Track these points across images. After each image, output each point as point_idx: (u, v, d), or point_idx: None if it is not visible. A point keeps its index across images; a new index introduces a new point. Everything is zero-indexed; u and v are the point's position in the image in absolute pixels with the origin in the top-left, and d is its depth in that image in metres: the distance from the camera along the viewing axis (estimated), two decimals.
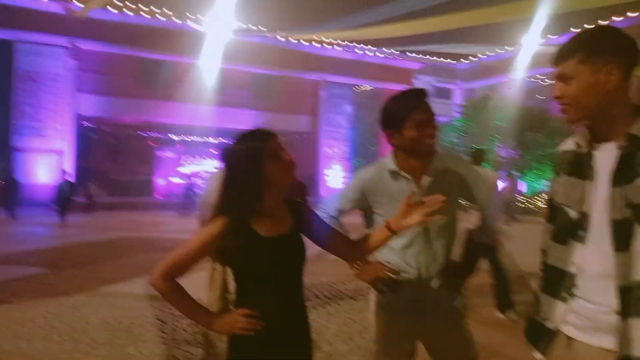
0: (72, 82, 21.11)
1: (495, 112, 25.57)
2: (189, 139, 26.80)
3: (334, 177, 28.49)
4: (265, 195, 1.62)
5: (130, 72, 23.06)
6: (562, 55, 1.42)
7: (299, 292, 1.71)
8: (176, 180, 26.18)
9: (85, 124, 23.45)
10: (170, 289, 1.64)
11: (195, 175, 24.27)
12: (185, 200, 18.53)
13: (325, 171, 28.12)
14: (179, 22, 22.50)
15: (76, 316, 4.96)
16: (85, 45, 21.25)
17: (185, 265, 1.64)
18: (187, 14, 22.41)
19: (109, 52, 21.92)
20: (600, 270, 1.36)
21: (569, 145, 1.56)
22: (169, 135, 26.24)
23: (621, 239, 1.33)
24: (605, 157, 1.39)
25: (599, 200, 1.38)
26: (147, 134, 26.46)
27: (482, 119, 26.03)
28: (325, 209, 2.28)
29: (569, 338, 1.43)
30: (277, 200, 1.67)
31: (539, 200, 21.53)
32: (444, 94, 37.48)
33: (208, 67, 23.10)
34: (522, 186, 23.45)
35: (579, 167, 1.46)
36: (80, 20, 20.26)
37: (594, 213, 1.39)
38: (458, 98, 35.99)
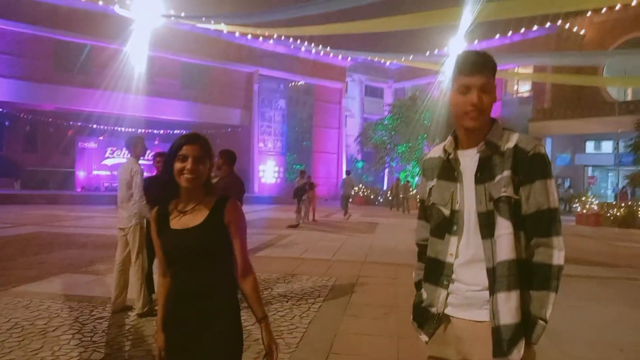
0: None
1: (423, 112, 26.50)
2: (114, 130, 25.50)
3: (268, 172, 28.32)
4: (179, 192, 1.89)
5: (49, 55, 21.62)
6: (482, 68, 1.62)
7: (207, 280, 1.86)
8: (99, 172, 24.88)
9: None
10: (160, 285, 1.97)
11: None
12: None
13: (260, 166, 27.88)
14: (102, 4, 21.33)
15: None
16: None
17: (159, 257, 1.94)
18: None
19: (24, 32, 20.38)
20: (472, 256, 1.63)
21: (435, 152, 1.83)
22: (91, 124, 24.80)
23: (486, 228, 1.60)
24: (469, 161, 1.68)
25: (467, 197, 1.66)
26: (68, 123, 24.88)
27: (410, 117, 26.89)
28: None
29: (449, 317, 1.68)
30: (190, 196, 1.88)
31: None
32: (376, 92, 38.32)
33: (135, 54, 22.11)
34: None
35: (446, 171, 1.73)
36: None
37: (464, 209, 1.66)
38: (388, 97, 36.95)
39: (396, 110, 28.40)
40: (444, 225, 1.71)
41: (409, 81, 35.39)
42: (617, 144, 21.75)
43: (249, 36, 25.37)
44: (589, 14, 25.64)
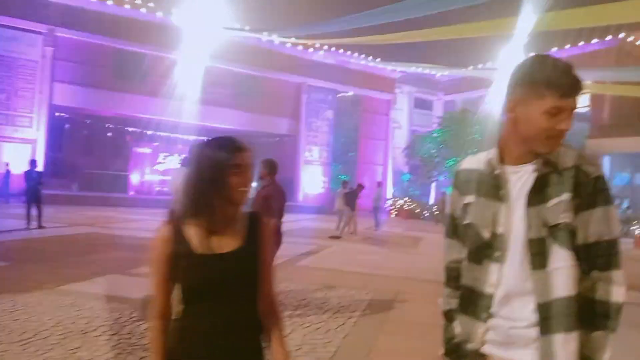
0: (47, 70, 20.59)
1: (473, 125, 25.90)
2: (167, 136, 26.38)
3: (313, 182, 28.42)
4: (217, 209, 1.53)
5: (109, 63, 22.60)
6: (576, 89, 1.39)
7: (241, 316, 1.54)
8: (152, 176, 25.75)
9: (60, 114, 22.91)
10: (155, 329, 1.59)
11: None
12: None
13: (305, 176, 28.03)
14: (161, 15, 22.17)
15: (30, 315, 4.75)
16: (63, 33, 20.74)
17: (160, 291, 1.56)
18: (171, 9, 22.09)
19: (87, 41, 21.44)
20: (517, 289, 1.43)
21: (472, 163, 1.61)
22: (147, 130, 25.77)
23: (538, 258, 1.40)
24: (518, 178, 1.47)
25: (515, 220, 1.44)
26: (123, 128, 25.96)
27: (460, 131, 26.34)
28: None
29: (486, 356, 1.49)
30: (227, 215, 1.56)
31: None
32: (425, 105, 37.83)
33: (190, 63, 22.81)
34: None
35: (489, 188, 1.51)
36: (58, 6, 19.83)
37: (509, 233, 1.45)
38: (438, 109, 36.39)
39: (446, 123, 27.91)
40: (483, 250, 1.50)
41: (459, 94, 34.73)
42: None
43: (300, 47, 25.67)
44: None
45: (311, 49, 26.07)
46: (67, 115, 24.30)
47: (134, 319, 4.85)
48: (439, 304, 1.74)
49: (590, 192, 1.39)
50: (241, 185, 1.51)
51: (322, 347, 4.37)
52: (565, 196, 1.39)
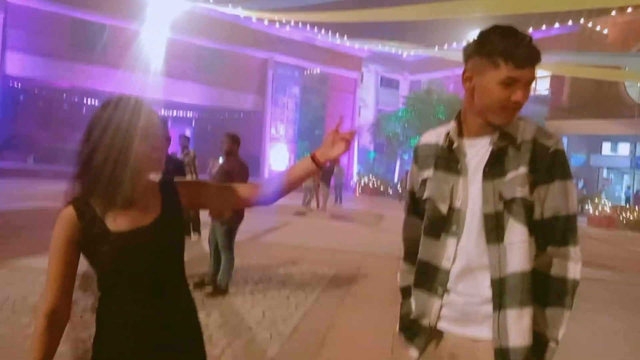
0: None
1: (438, 105, 26.20)
2: None
3: (279, 159, 28.26)
4: (127, 182, 1.30)
5: (66, 32, 21.62)
6: (532, 60, 1.35)
7: (168, 298, 1.36)
8: None
9: (13, 84, 21.84)
10: (40, 327, 1.30)
11: None
12: None
13: (270, 152, 27.82)
14: None
15: None
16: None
17: (56, 285, 1.31)
18: None
19: (42, 9, 20.38)
20: (473, 263, 1.40)
21: (431, 138, 1.57)
22: None
23: (493, 232, 1.38)
24: (476, 152, 1.44)
25: (471, 194, 1.42)
26: (82, 100, 24.98)
27: (425, 111, 26.61)
28: None
29: (442, 332, 1.47)
30: (139, 187, 1.34)
31: None
32: (391, 84, 37.93)
33: (152, 35, 22.05)
34: None
35: (447, 162, 1.48)
36: None
37: (467, 207, 1.42)
38: (404, 89, 36.57)
39: (411, 102, 28.13)
40: (441, 224, 1.47)
41: (425, 74, 34.95)
42: (635, 146, 21.30)
43: (266, 22, 25.18)
44: (613, 13, 25.02)
45: (277, 24, 25.61)
46: (21, 86, 23.20)
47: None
48: (397, 279, 1.70)
49: (548, 166, 1.36)
50: (150, 152, 1.31)
51: (282, 322, 4.35)
52: (522, 170, 1.36)
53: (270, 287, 5.52)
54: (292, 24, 25.59)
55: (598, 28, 25.32)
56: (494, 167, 1.39)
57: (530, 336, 1.35)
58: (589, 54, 21.63)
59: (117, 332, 1.33)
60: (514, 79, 1.33)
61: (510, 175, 1.37)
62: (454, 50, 26.78)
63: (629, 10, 24.31)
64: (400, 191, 25.41)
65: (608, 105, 23.73)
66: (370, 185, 27.96)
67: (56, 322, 1.31)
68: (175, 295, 1.39)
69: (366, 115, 34.38)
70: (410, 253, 1.63)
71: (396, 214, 17.14)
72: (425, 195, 1.53)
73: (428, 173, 1.54)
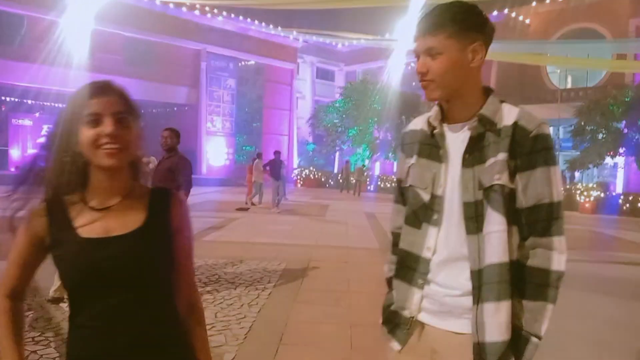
0: None
1: (374, 95, 26.58)
2: (52, 106, 23.99)
3: (217, 154, 27.62)
4: (88, 177, 1.15)
5: None
6: (430, 27, 1.32)
7: (144, 311, 1.16)
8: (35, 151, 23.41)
9: None
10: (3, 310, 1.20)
11: None
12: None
13: (207, 147, 27.12)
14: None
15: None
16: None
17: (15, 276, 1.21)
18: None
19: None
20: (453, 254, 1.35)
21: (417, 124, 1.51)
22: (27, 100, 23.22)
23: (472, 222, 1.32)
24: (456, 138, 1.38)
25: (451, 181, 1.37)
26: (0, 98, 23.17)
27: (362, 101, 26.93)
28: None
29: (423, 324, 1.42)
30: (107, 187, 1.17)
31: None
32: (327, 75, 38.08)
33: (76, 27, 20.75)
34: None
35: (429, 148, 1.43)
36: None
37: (446, 195, 1.37)
38: (340, 80, 36.84)
39: (348, 93, 28.35)
40: (422, 212, 1.41)
41: (360, 64, 35.37)
42: (558, 129, 22.62)
43: (197, 12, 24.41)
44: (534, 4, 26.36)
45: (209, 14, 24.91)
46: None
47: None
48: (384, 270, 1.62)
49: (529, 151, 1.29)
50: (97, 140, 1.10)
51: (236, 323, 4.19)
52: (501, 156, 1.29)
53: (220, 288, 5.32)
54: (225, 14, 25.00)
55: (521, 18, 26.58)
56: (473, 154, 1.33)
57: (508, 331, 1.29)
58: (515, 42, 22.65)
59: (85, 354, 1.16)
60: (415, 52, 1.37)
61: (490, 161, 1.30)
62: (386, 40, 27.24)
63: (547, 1, 25.72)
64: (341, 181, 25.61)
65: (532, 91, 25.04)
66: (311, 176, 28.02)
67: (15, 300, 1.21)
68: (151, 318, 1.17)
69: (303, 107, 34.34)
70: (397, 244, 1.55)
71: (340, 204, 17.27)
72: (409, 182, 1.47)
73: (412, 160, 1.48)
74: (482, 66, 1.37)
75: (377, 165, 30.20)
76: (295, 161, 31.09)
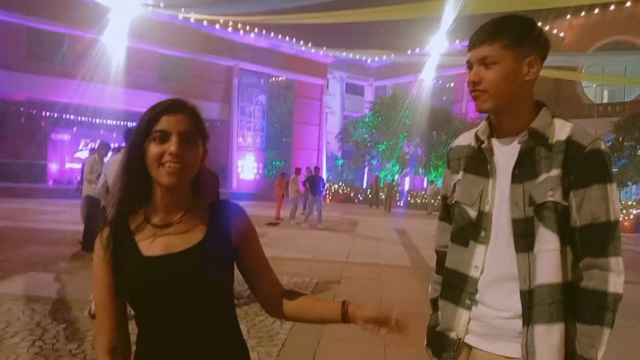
0: None
1: (404, 110, 26.47)
2: (89, 121, 24.74)
3: (247, 168, 27.91)
4: (153, 195, 1.17)
5: (21, 42, 20.79)
6: (486, 37, 1.30)
7: (207, 328, 1.16)
8: (73, 165, 24.12)
9: None
10: None
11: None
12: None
13: (238, 162, 27.43)
14: None
15: None
16: None
17: (106, 317, 1.17)
18: None
19: None
20: (502, 273, 1.31)
21: (464, 140, 1.49)
22: (66, 115, 24.01)
23: (522, 240, 1.27)
24: (506, 152, 1.34)
25: (500, 197, 1.33)
26: (40, 113, 24.00)
27: (391, 116, 26.84)
28: None
29: (470, 347, 1.37)
30: (171, 203, 1.17)
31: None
32: (356, 90, 38.17)
33: (112, 44, 21.47)
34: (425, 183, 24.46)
35: (477, 164, 1.40)
36: None
37: (494, 212, 1.33)
38: (369, 95, 36.85)
39: (377, 108, 28.32)
40: (469, 230, 1.37)
41: (389, 79, 35.35)
42: None
43: (230, 29, 24.90)
44: (568, 17, 25.92)
45: (242, 31, 25.37)
46: None
47: (58, 320, 4.40)
48: (429, 291, 1.58)
49: (584, 168, 1.24)
50: (161, 157, 1.11)
51: (268, 340, 4.16)
52: (555, 172, 1.25)
53: (252, 303, 5.30)
54: (257, 31, 25.43)
55: (555, 31, 26.14)
56: (523, 169, 1.29)
57: (560, 355, 1.23)
58: (550, 54, 22.26)
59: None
60: (468, 62, 1.34)
61: (542, 177, 1.26)
62: (416, 55, 27.18)
63: (582, 13, 25.25)
64: (370, 197, 25.46)
65: (567, 106, 24.49)
66: (340, 192, 27.97)
67: (116, 355, 1.17)
68: (213, 335, 1.17)
69: (333, 122, 34.44)
70: (442, 263, 1.51)
71: (369, 220, 17.14)
72: (455, 199, 1.44)
73: (458, 176, 1.45)
74: (535, 80, 1.34)
75: (407, 180, 29.96)
76: (325, 176, 31.14)
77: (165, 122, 1.13)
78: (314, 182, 13.98)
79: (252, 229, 1.28)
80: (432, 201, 22.02)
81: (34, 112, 23.84)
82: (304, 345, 4.11)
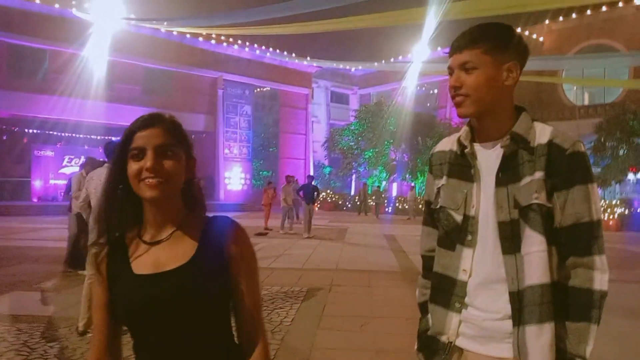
0: None
1: (388, 117, 26.65)
2: (72, 137, 24.50)
3: (234, 179, 27.82)
4: (144, 213, 1.16)
5: (2, 59, 20.59)
6: (466, 42, 1.34)
7: (199, 346, 1.13)
8: (58, 181, 23.82)
9: None
10: None
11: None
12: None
13: (225, 173, 27.34)
14: (58, 7, 20.47)
15: None
16: None
17: (100, 332, 1.17)
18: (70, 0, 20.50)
19: None
20: (490, 275, 1.32)
21: (445, 145, 1.51)
22: (49, 132, 23.75)
23: (509, 242, 1.30)
24: (488, 156, 1.37)
25: (484, 201, 1.35)
26: (22, 130, 23.72)
27: (376, 123, 27.01)
28: None
29: (462, 350, 1.38)
30: (162, 216, 1.16)
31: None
32: (341, 98, 38.38)
33: (94, 59, 21.35)
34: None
35: (460, 168, 1.42)
36: None
37: (480, 215, 1.35)
38: (354, 103, 37.07)
39: (362, 115, 28.49)
40: (455, 234, 1.39)
41: (373, 87, 35.63)
42: None
43: (213, 41, 24.93)
44: (546, 22, 26.38)
45: (225, 43, 25.41)
46: None
47: (47, 339, 4.33)
48: (416, 295, 1.59)
49: (566, 169, 1.27)
50: (140, 174, 1.10)
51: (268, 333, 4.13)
52: (538, 174, 1.28)
53: None
54: (240, 43, 25.48)
55: (534, 36, 26.59)
56: (507, 172, 1.32)
57: (552, 353, 1.26)
58: (530, 59, 22.59)
59: None
60: (449, 68, 1.37)
61: (526, 180, 1.29)
62: (399, 63, 27.42)
63: (561, 18, 25.71)
64: (358, 204, 25.52)
65: (549, 109, 24.86)
66: (328, 199, 27.98)
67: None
68: (208, 354, 1.14)
69: (319, 130, 34.54)
70: (428, 267, 1.53)
71: (359, 227, 17.15)
72: (439, 204, 1.45)
73: (442, 181, 1.46)
74: (515, 86, 1.37)
75: (394, 186, 30.09)
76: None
77: (140, 139, 1.13)
78: (307, 190, 13.98)
79: (247, 250, 1.21)
80: (414, 206, 22.13)
81: (16, 129, 23.57)
82: (296, 355, 4.09)
